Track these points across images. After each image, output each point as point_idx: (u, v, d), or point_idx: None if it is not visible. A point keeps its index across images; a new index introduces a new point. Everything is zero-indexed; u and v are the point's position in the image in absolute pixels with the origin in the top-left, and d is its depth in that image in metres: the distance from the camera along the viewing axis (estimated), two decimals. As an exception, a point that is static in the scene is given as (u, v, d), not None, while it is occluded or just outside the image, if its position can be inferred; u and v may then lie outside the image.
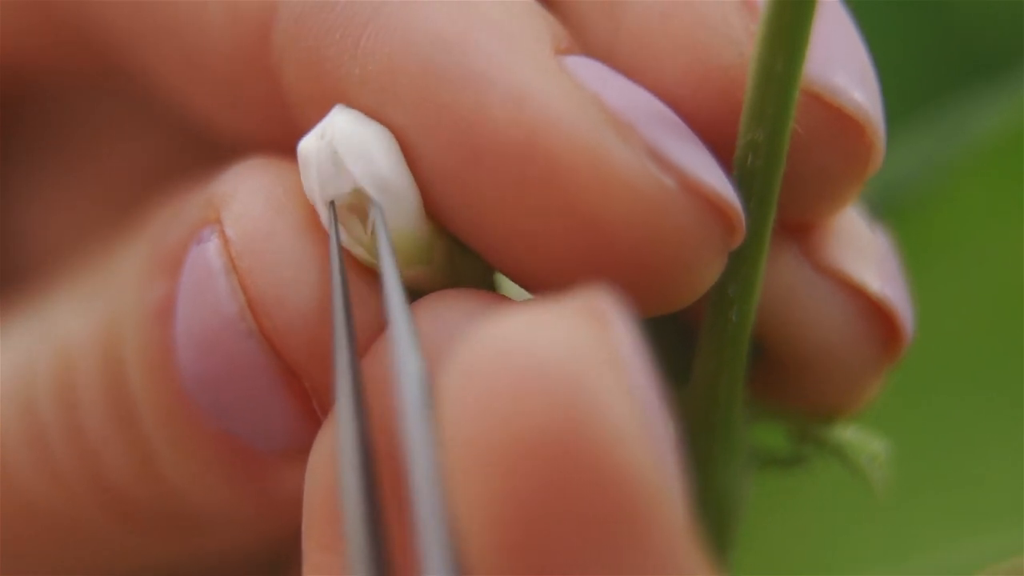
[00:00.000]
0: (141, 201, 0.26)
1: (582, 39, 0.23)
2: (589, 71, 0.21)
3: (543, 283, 0.21)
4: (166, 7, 0.24)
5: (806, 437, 0.24)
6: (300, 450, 0.22)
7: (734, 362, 0.22)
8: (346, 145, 0.21)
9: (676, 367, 0.23)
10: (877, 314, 0.23)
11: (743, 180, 0.21)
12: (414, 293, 0.22)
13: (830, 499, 0.32)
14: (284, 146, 0.23)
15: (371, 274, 0.22)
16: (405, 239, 0.21)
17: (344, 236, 0.22)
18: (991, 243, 0.36)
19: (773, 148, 0.21)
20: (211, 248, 0.22)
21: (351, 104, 0.22)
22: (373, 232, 0.21)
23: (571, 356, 0.18)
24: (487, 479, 0.17)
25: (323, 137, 0.21)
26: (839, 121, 0.22)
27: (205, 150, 0.28)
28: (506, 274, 0.22)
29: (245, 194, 0.22)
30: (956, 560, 0.33)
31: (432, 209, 0.22)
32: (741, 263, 0.22)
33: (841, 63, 0.22)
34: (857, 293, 0.23)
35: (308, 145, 0.22)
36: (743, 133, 0.21)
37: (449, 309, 0.21)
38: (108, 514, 0.25)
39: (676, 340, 0.23)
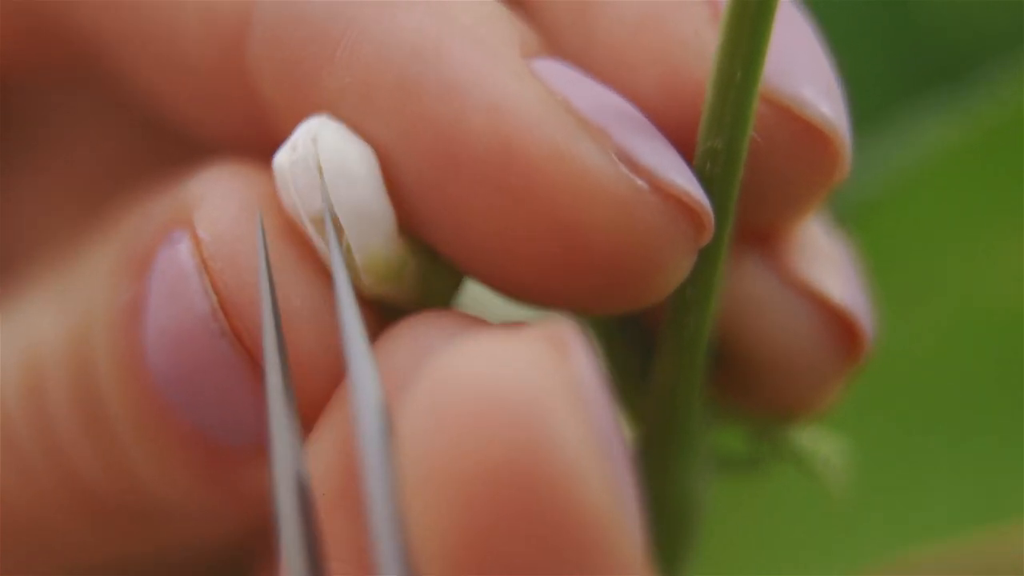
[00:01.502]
0: (112, 198, 0.27)
1: (554, 48, 0.23)
2: (558, 75, 0.22)
3: (521, 288, 0.22)
4: (142, 10, 0.24)
5: (764, 440, 0.24)
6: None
7: (692, 366, 0.22)
8: (328, 162, 0.21)
9: (635, 371, 0.24)
10: (839, 322, 0.23)
11: (702, 187, 0.21)
12: (384, 308, 0.22)
13: (788, 501, 0.33)
14: (260, 149, 0.23)
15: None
16: (378, 257, 0.22)
17: (321, 247, 0.22)
18: (950, 248, 0.36)
19: (731, 155, 0.21)
20: (183, 249, 0.22)
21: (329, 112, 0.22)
22: (348, 247, 0.21)
23: (529, 388, 0.18)
24: (445, 509, 0.18)
25: (296, 150, 0.21)
26: (806, 133, 0.22)
27: (179, 149, 0.28)
28: (484, 280, 0.22)
29: (218, 196, 0.22)
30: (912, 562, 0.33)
31: (409, 219, 0.22)
32: (700, 267, 0.22)
33: (807, 75, 0.22)
34: (819, 302, 0.23)
35: (283, 159, 0.22)
36: (702, 140, 0.21)
37: (413, 335, 0.21)
38: (77, 511, 0.25)
39: (635, 344, 0.24)
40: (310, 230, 0.22)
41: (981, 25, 0.44)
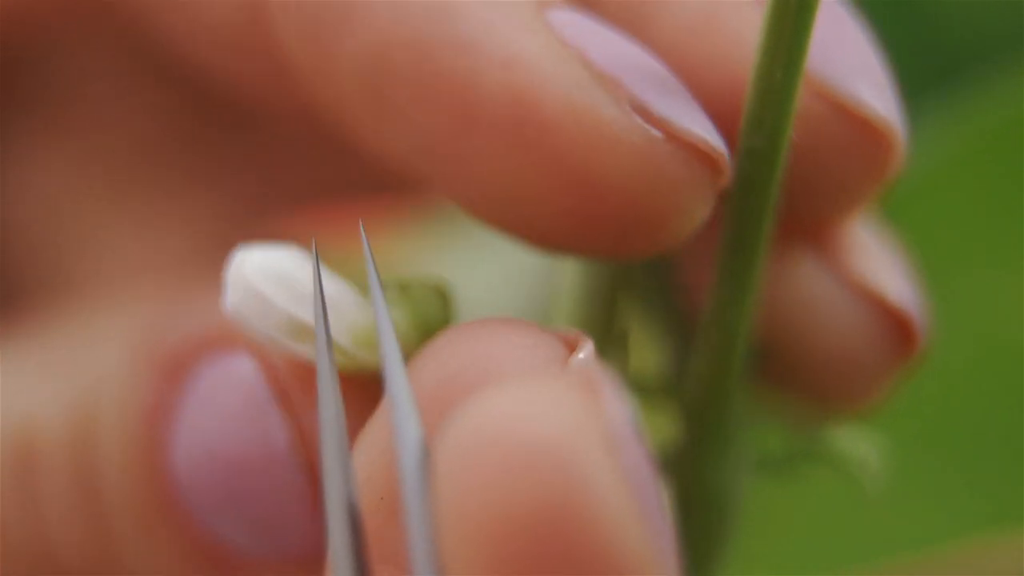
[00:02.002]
0: (137, 169, 0.27)
1: None
2: (574, 26, 0.22)
3: (540, 236, 0.22)
4: None
5: (800, 440, 0.25)
6: (304, 554, 0.23)
7: (730, 363, 0.23)
8: (262, 278, 0.21)
9: (675, 365, 0.24)
10: (895, 320, 0.23)
11: (742, 185, 0.22)
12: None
13: (824, 496, 0.33)
14: (284, 106, 0.23)
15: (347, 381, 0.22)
16: (360, 329, 0.22)
17: (301, 349, 0.22)
18: (953, 250, 0.36)
19: (771, 154, 0.21)
20: (247, 372, 0.22)
21: (346, 75, 0.22)
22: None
23: (563, 434, 0.18)
24: (479, 551, 0.18)
25: (236, 290, 0.22)
26: (863, 130, 0.22)
27: (203, 115, 0.28)
28: (503, 229, 0.22)
29: None
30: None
31: (429, 174, 0.22)
32: (739, 262, 0.22)
33: (861, 72, 0.22)
34: (876, 300, 0.23)
35: (228, 304, 0.22)
36: (743, 140, 0.21)
37: (452, 360, 0.21)
38: None
39: (675, 338, 0.24)
40: (288, 342, 0.22)
41: (983, 26, 0.44)
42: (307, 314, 0.21)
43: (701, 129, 0.21)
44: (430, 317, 0.22)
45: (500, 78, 0.21)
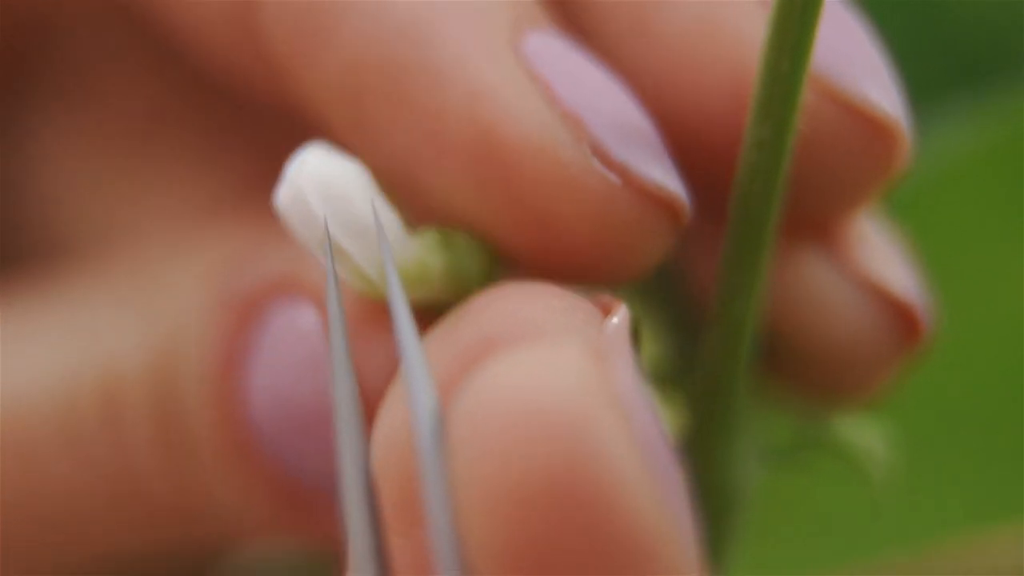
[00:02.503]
0: (147, 146, 0.27)
1: (609, 51, 0.23)
2: (547, 57, 0.22)
3: (506, 258, 0.22)
4: None
5: (808, 431, 0.25)
6: None
7: (737, 354, 0.23)
8: (317, 189, 0.21)
9: (682, 357, 0.24)
10: (899, 314, 0.24)
11: (749, 177, 0.22)
12: (424, 311, 0.22)
13: (831, 485, 0.33)
14: (278, 103, 0.24)
15: (380, 308, 0.22)
16: (396, 265, 0.22)
17: (345, 273, 0.22)
18: (968, 251, 0.36)
19: (778, 145, 0.22)
20: (311, 321, 0.23)
21: (327, 85, 0.22)
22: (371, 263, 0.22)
23: (571, 400, 0.18)
24: (493, 520, 0.18)
25: (291, 185, 0.22)
26: (870, 128, 0.22)
27: (213, 103, 0.28)
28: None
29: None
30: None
31: (403, 182, 0.22)
32: (746, 254, 0.22)
33: (867, 71, 0.22)
34: (881, 294, 0.24)
35: (281, 196, 0.22)
36: (750, 131, 0.22)
37: (467, 330, 0.21)
38: (134, 515, 0.26)
39: (683, 330, 0.24)
40: (322, 256, 0.22)
41: (1000, 29, 0.44)
42: (343, 234, 0.21)
43: (660, 176, 0.21)
44: (468, 270, 0.22)
45: (466, 109, 0.21)
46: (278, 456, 0.24)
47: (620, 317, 0.20)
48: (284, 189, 0.22)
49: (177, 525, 0.26)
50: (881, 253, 0.24)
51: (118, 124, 0.29)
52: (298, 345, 0.23)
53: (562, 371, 0.18)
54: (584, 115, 0.21)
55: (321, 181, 0.21)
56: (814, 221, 0.24)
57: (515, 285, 0.21)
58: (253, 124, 0.29)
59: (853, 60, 0.22)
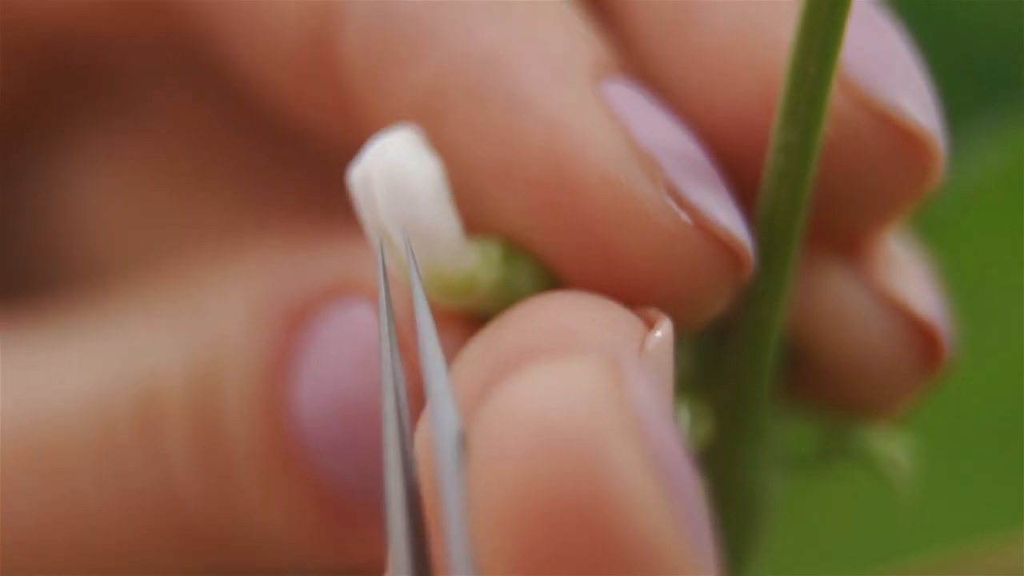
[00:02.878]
0: (193, 175, 0.27)
1: (645, 53, 0.23)
2: (624, 100, 0.22)
3: (564, 281, 0.22)
4: None
5: (833, 439, 0.25)
6: None
7: (762, 360, 0.23)
8: (387, 180, 0.22)
9: (707, 364, 0.24)
10: (922, 333, 0.23)
11: (776, 180, 0.22)
12: (468, 319, 0.22)
13: (850, 494, 0.33)
14: (344, 139, 0.24)
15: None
16: (442, 272, 0.22)
17: (396, 269, 0.22)
18: (997, 265, 0.36)
19: (806, 149, 0.21)
20: (368, 320, 0.23)
21: (401, 106, 0.23)
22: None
23: (584, 418, 0.18)
24: (506, 537, 0.18)
25: (366, 165, 0.22)
26: (904, 141, 0.22)
27: (265, 136, 0.28)
28: None
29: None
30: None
31: (470, 203, 0.22)
32: (773, 262, 0.22)
33: (903, 83, 0.22)
34: (904, 313, 0.23)
35: (355, 173, 0.22)
36: (776, 134, 0.21)
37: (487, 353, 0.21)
38: (169, 535, 0.25)
39: (707, 337, 0.24)
40: (377, 245, 0.22)
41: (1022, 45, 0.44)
42: (400, 230, 0.21)
43: (730, 222, 0.21)
44: (523, 288, 0.22)
45: (543, 137, 0.21)
46: (325, 469, 0.23)
47: (664, 331, 0.20)
48: (358, 169, 0.22)
49: (215, 550, 0.25)
50: (907, 272, 0.24)
51: (165, 153, 0.29)
52: (352, 345, 0.23)
53: (576, 388, 0.18)
54: (659, 156, 0.21)
55: (393, 173, 0.21)
56: (841, 234, 0.23)
57: (562, 294, 0.21)
58: (301, 155, 0.29)
59: (887, 66, 0.22)
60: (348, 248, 0.24)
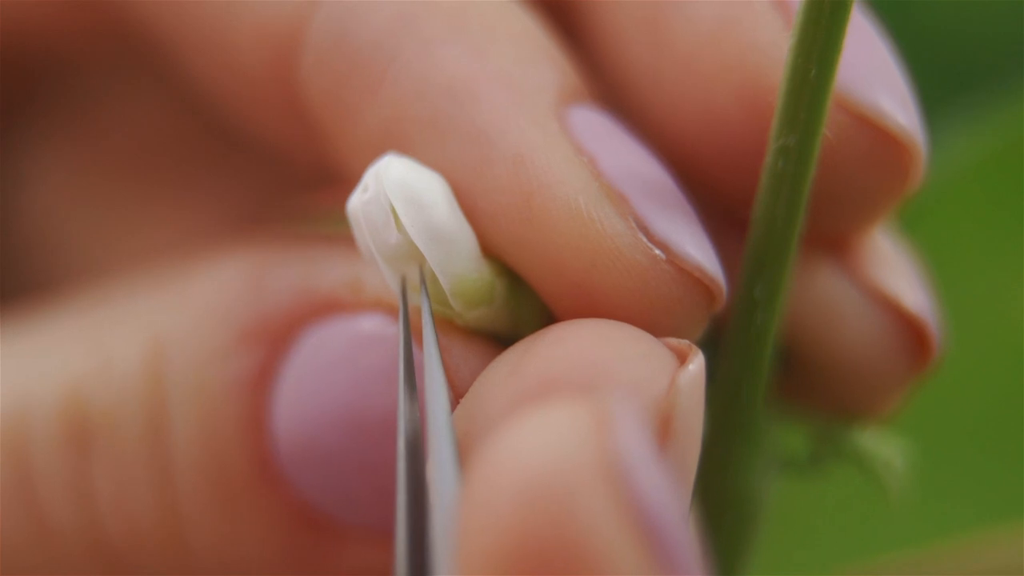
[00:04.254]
0: (145, 180, 0.27)
1: (618, 58, 0.23)
2: (590, 129, 0.22)
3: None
4: (199, 11, 0.24)
5: (825, 441, 0.25)
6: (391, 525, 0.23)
7: (758, 364, 0.22)
8: (402, 194, 0.21)
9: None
10: (911, 329, 0.24)
11: (773, 185, 0.22)
12: (477, 335, 0.22)
13: (838, 492, 0.33)
14: (305, 154, 0.24)
15: (449, 328, 0.22)
16: (464, 280, 0.22)
17: (397, 285, 0.22)
18: (979, 254, 0.36)
19: (804, 153, 0.21)
20: (345, 340, 0.22)
21: (368, 142, 0.22)
22: (434, 279, 0.22)
23: (562, 470, 0.18)
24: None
25: (367, 190, 0.21)
26: (885, 142, 0.22)
27: (207, 136, 0.28)
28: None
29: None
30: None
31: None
32: (768, 266, 0.22)
33: (884, 85, 0.22)
34: (893, 309, 0.24)
35: (354, 201, 0.22)
36: (774, 138, 0.21)
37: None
38: (93, 560, 0.24)
39: (703, 342, 0.24)
40: (386, 270, 0.22)
41: (993, 38, 0.44)
42: (421, 241, 0.21)
43: (701, 256, 0.21)
44: (532, 300, 0.22)
45: (510, 173, 0.21)
46: (302, 484, 0.23)
47: (695, 365, 0.20)
48: (359, 194, 0.22)
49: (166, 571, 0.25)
50: (895, 269, 0.24)
51: (117, 157, 0.29)
52: (331, 365, 0.23)
53: (558, 438, 0.18)
54: (627, 190, 0.21)
55: (407, 186, 0.21)
56: (828, 233, 0.23)
57: (596, 322, 0.21)
58: (251, 161, 0.29)
59: (870, 72, 0.22)
60: (321, 261, 0.23)
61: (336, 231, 0.24)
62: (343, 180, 0.24)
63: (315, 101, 0.23)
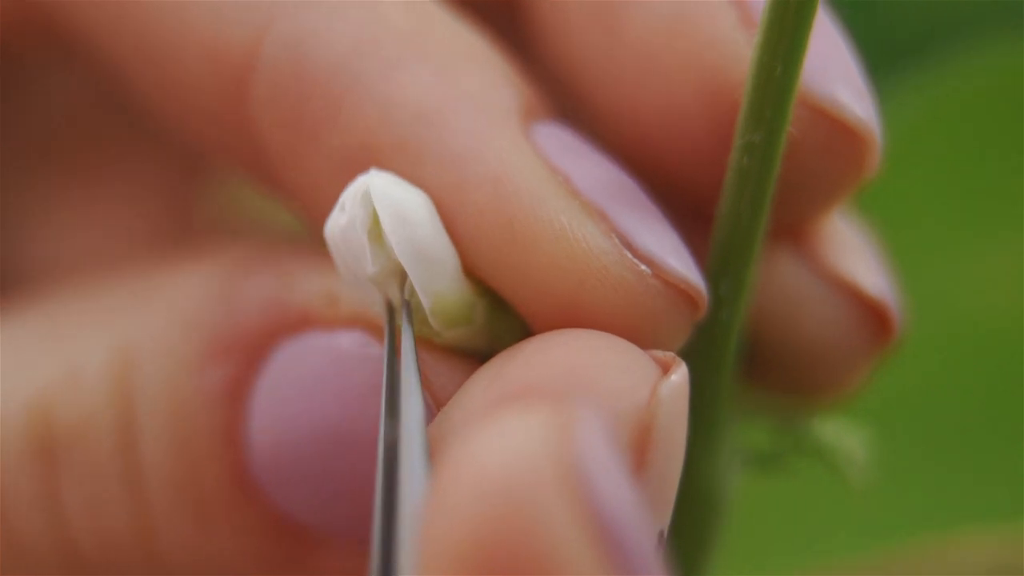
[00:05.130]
0: (79, 180, 0.26)
1: (574, 59, 0.23)
2: (556, 145, 0.22)
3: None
4: (147, 30, 0.24)
5: (788, 434, 0.25)
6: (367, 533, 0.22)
7: (723, 361, 0.22)
8: (387, 210, 0.21)
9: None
10: (871, 311, 0.24)
11: (738, 181, 0.21)
12: (457, 353, 0.22)
13: (808, 487, 0.33)
14: (257, 172, 0.23)
15: (429, 346, 0.22)
16: (446, 299, 0.21)
17: (378, 306, 0.22)
18: (928, 230, 0.37)
19: (769, 150, 0.21)
20: (322, 353, 0.22)
21: (327, 168, 0.22)
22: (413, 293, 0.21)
23: (521, 475, 0.18)
24: None
25: (344, 211, 0.21)
26: (841, 132, 0.22)
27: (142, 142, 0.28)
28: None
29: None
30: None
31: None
32: (733, 263, 0.22)
33: (840, 77, 0.22)
34: (852, 292, 0.24)
35: (332, 225, 0.21)
36: (740, 135, 0.21)
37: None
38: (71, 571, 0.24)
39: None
40: (367, 288, 0.21)
41: (937, 6, 0.44)
42: (406, 259, 0.21)
43: (684, 267, 0.21)
44: (512, 320, 0.22)
45: (490, 196, 0.21)
46: (279, 495, 0.23)
47: (678, 375, 0.20)
48: (336, 215, 0.21)
49: None
50: (853, 252, 0.24)
51: (29, 144, 0.28)
52: (300, 385, 0.22)
53: (519, 443, 0.18)
54: (605, 205, 0.21)
55: (392, 202, 0.21)
56: (786, 222, 0.23)
57: (581, 332, 0.21)
58: (174, 157, 0.29)
59: (827, 63, 0.22)
60: (294, 272, 0.23)
61: (303, 235, 0.24)
62: (289, 196, 0.23)
63: (267, 124, 0.23)
